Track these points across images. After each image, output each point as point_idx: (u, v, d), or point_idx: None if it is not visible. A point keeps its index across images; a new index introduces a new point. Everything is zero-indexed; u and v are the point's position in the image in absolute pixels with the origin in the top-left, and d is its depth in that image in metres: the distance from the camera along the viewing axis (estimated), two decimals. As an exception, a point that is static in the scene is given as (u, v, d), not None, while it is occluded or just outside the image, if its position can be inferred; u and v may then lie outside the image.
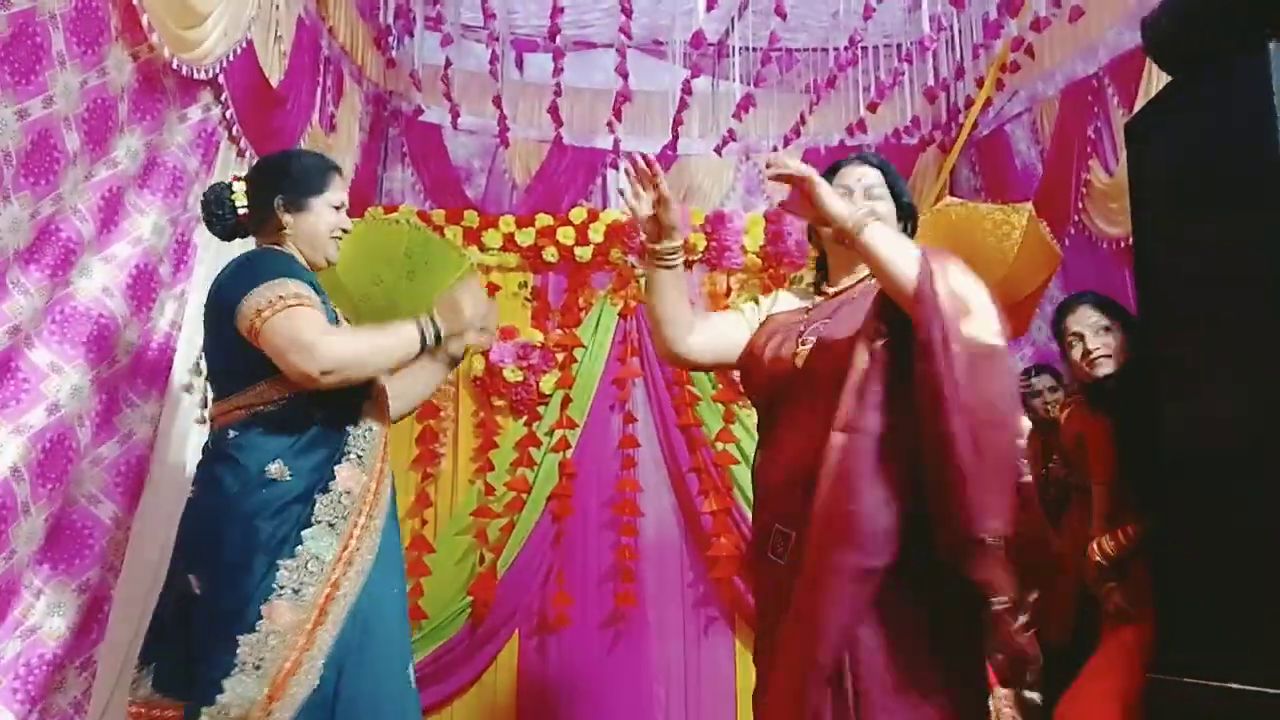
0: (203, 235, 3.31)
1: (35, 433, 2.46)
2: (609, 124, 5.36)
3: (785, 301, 2.57)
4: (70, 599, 2.68)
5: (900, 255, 2.12)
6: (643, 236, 2.38)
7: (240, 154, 3.60)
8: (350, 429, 2.43)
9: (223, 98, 3.30)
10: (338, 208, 2.60)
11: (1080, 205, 4.59)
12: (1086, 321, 3.08)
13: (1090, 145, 4.54)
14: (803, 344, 2.33)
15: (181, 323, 3.18)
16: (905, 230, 2.47)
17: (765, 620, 2.34)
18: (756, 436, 2.53)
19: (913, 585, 2.10)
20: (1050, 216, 4.59)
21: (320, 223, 2.56)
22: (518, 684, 4.62)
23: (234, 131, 3.45)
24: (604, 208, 5.99)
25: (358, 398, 2.46)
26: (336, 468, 2.38)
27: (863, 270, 2.40)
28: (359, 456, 2.42)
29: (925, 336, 2.04)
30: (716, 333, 2.50)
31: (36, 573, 2.59)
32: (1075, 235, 4.65)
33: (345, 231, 2.62)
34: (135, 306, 2.86)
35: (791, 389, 2.32)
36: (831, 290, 2.47)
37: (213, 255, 3.38)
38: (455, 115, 5.51)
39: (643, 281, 4.86)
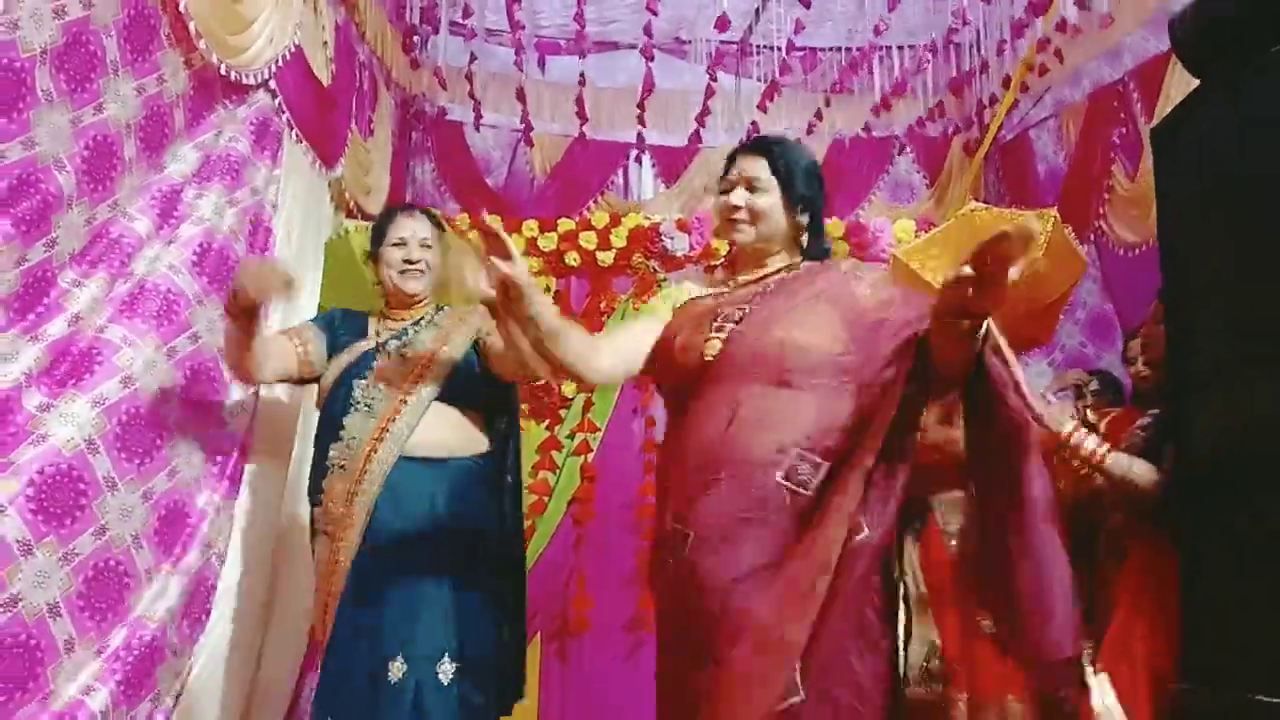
0: (280, 222, 3.33)
1: (110, 405, 2.46)
2: (638, 118, 5.36)
3: (692, 291, 2.41)
4: (174, 584, 2.67)
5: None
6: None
7: (306, 154, 3.63)
8: (333, 445, 2.81)
9: (277, 102, 3.32)
10: (398, 244, 2.95)
11: (1101, 211, 4.55)
12: None
13: (1114, 150, 4.51)
14: (714, 334, 2.18)
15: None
16: (802, 221, 2.27)
17: (659, 622, 2.21)
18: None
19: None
20: (1072, 222, 4.57)
21: (383, 266, 2.97)
22: (539, 686, 4.63)
23: (295, 135, 3.48)
24: (625, 197, 5.99)
25: (338, 417, 2.81)
26: (324, 481, 2.81)
27: (774, 264, 2.30)
28: (341, 468, 2.78)
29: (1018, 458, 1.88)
30: (629, 348, 2.30)
31: (138, 554, 2.56)
32: (1096, 239, 4.62)
33: (410, 262, 2.94)
34: (207, 284, 2.85)
35: (700, 381, 2.16)
36: (741, 279, 2.33)
37: (294, 248, 3.43)
38: (478, 117, 5.52)
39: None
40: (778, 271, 2.30)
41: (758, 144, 2.34)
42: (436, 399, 2.83)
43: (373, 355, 2.88)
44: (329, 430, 2.84)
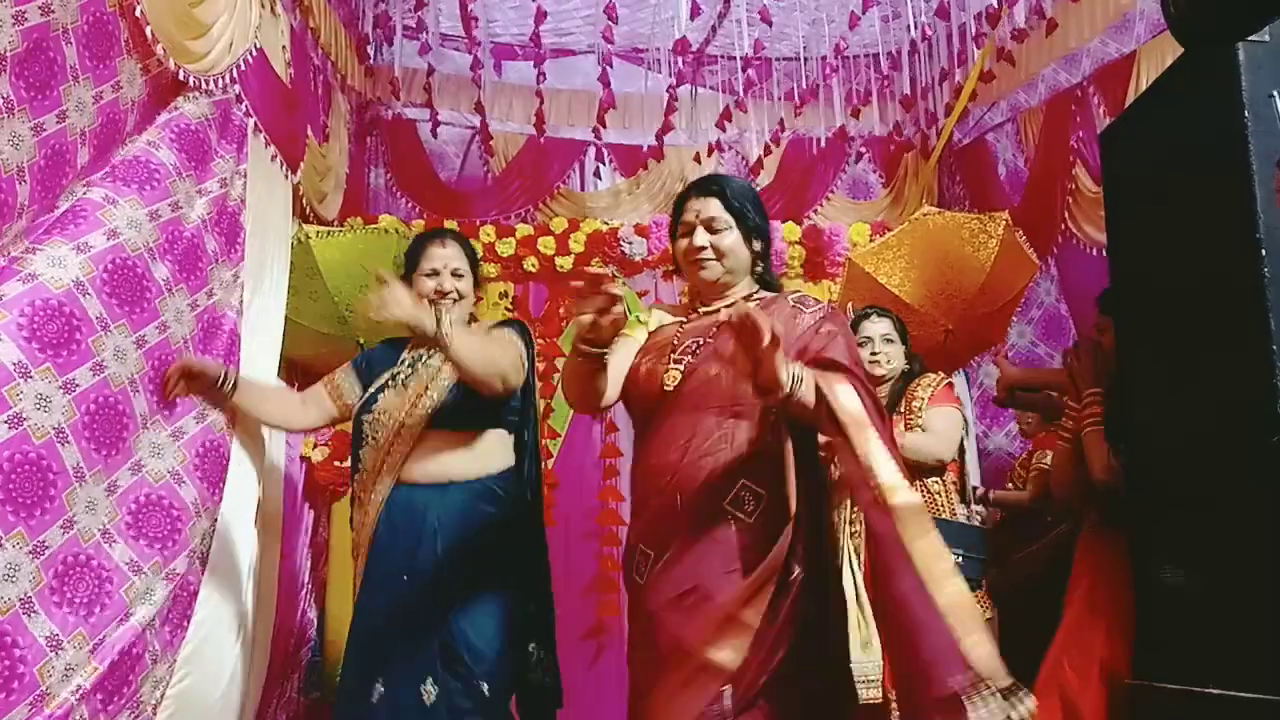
0: (251, 221, 3.30)
1: (80, 392, 2.39)
2: (595, 131, 5.37)
3: (659, 318, 2.53)
4: (159, 586, 2.61)
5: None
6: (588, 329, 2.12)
7: (272, 156, 3.62)
8: (354, 478, 2.94)
9: (244, 106, 3.29)
10: (430, 274, 2.94)
11: (1068, 213, 4.60)
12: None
13: (1074, 154, 4.57)
14: (674, 365, 2.33)
15: (240, 307, 3.16)
16: (757, 248, 2.43)
17: (633, 638, 2.33)
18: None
19: None
20: (1037, 223, 4.63)
21: (417, 295, 2.87)
22: (500, 694, 4.61)
23: (263, 138, 3.47)
24: (582, 189, 6.01)
25: (356, 451, 2.91)
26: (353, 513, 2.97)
27: (735, 294, 2.43)
28: (358, 499, 2.91)
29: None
30: (620, 375, 2.41)
31: (111, 548, 2.49)
32: (1063, 242, 4.67)
33: (442, 293, 2.92)
34: (177, 271, 2.80)
35: (660, 409, 2.31)
36: (703, 310, 2.46)
37: (258, 247, 3.38)
38: (435, 124, 5.52)
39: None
40: (735, 303, 2.40)
41: (708, 186, 2.46)
42: (436, 425, 2.83)
43: (381, 390, 2.92)
44: (354, 465, 2.94)
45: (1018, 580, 3.78)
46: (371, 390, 2.93)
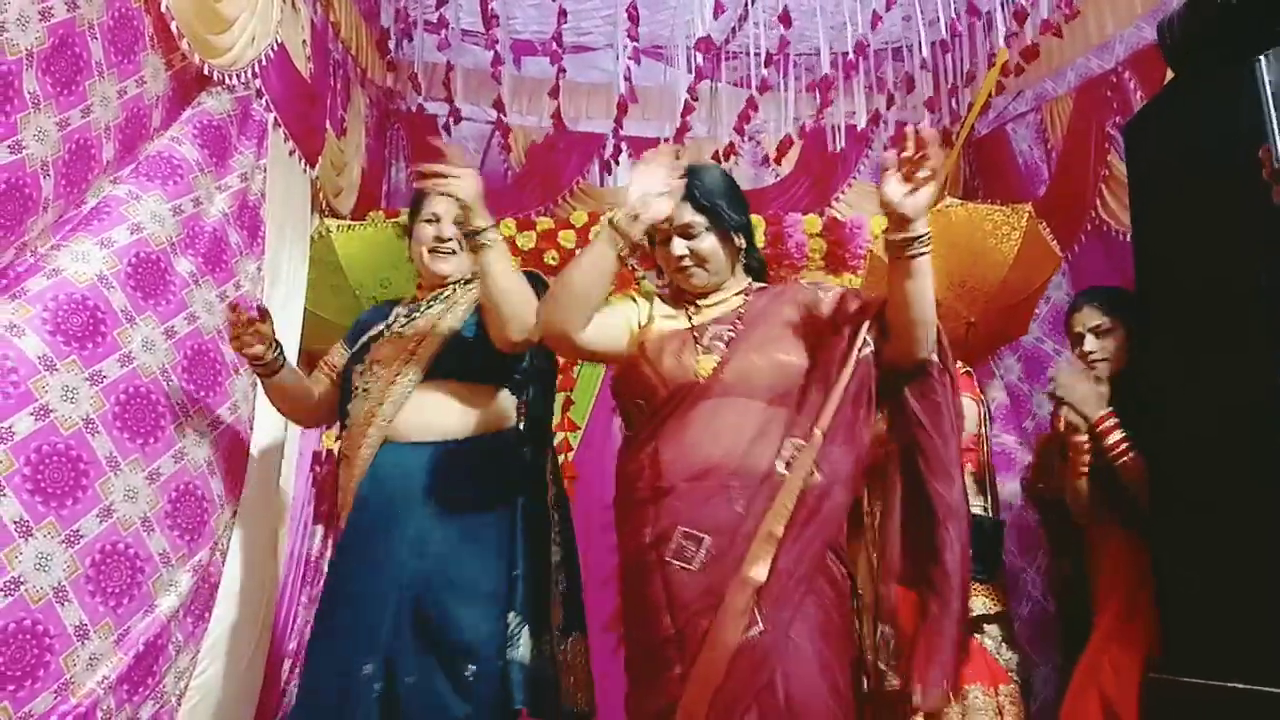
0: (270, 215, 3.32)
1: (108, 384, 2.42)
2: (614, 129, 5.37)
3: (660, 308, 2.46)
4: (183, 577, 2.63)
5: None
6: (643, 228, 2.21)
7: (290, 150, 3.62)
8: (341, 435, 2.75)
9: (264, 101, 3.31)
10: (430, 221, 2.75)
11: (1098, 201, 4.55)
12: (1088, 323, 3.06)
13: (1109, 140, 4.52)
14: (703, 354, 2.29)
15: (263, 300, 3.16)
16: (739, 243, 2.42)
17: (654, 625, 2.22)
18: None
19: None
20: (1064, 211, 4.57)
21: (416, 243, 2.77)
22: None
23: (282, 132, 3.49)
24: (602, 185, 6.00)
25: (344, 405, 2.72)
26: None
27: (732, 287, 2.42)
28: (345, 457, 2.68)
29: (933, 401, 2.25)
30: (607, 326, 2.33)
31: (149, 537, 2.51)
32: (1091, 230, 4.62)
33: (442, 240, 2.74)
34: (202, 264, 2.83)
35: (691, 397, 2.25)
36: (706, 304, 2.41)
37: (276, 241, 3.39)
38: (456, 119, 5.53)
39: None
40: (739, 293, 2.43)
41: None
42: (434, 376, 2.61)
43: (373, 340, 2.71)
44: (341, 421, 2.72)
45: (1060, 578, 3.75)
46: (363, 340, 2.73)
